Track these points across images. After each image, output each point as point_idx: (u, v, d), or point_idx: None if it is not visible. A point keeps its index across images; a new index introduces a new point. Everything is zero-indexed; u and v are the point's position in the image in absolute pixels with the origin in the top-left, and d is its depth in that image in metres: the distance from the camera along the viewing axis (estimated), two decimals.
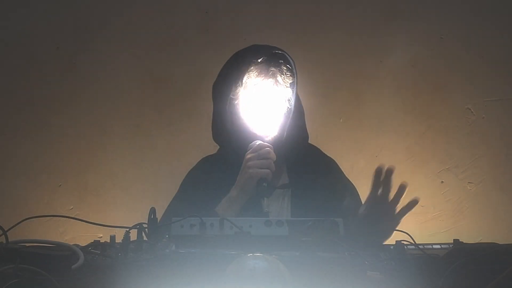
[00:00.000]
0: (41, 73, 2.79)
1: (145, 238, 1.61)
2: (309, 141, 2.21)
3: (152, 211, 1.66)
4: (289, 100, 2.03)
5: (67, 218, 1.66)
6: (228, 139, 2.10)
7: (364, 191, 2.20)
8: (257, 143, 2.02)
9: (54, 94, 2.79)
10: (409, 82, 2.81)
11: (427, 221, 2.79)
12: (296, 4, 2.80)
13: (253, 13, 2.80)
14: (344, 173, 2.24)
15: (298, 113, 2.11)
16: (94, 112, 2.79)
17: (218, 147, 2.21)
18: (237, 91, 2.03)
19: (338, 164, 2.24)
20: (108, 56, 2.79)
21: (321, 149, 2.25)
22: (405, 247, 1.58)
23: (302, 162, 2.12)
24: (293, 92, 2.04)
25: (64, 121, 2.79)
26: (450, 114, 2.80)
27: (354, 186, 2.19)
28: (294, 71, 2.04)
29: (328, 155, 2.25)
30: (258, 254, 1.39)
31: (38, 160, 2.78)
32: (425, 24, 2.80)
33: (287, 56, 2.06)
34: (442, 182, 2.79)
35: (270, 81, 2.01)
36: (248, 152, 2.01)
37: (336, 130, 2.79)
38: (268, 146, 2.01)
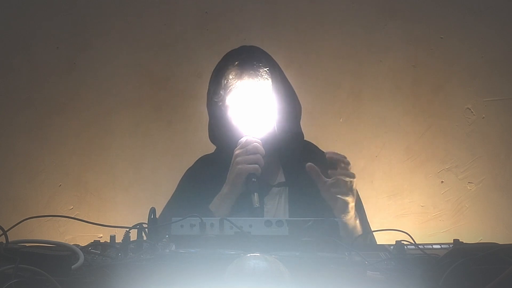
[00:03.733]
0: (41, 73, 2.79)
1: (145, 238, 1.61)
2: (308, 140, 2.21)
3: (152, 211, 1.66)
4: (269, 99, 2.06)
5: (67, 218, 1.66)
6: (222, 139, 2.13)
7: (364, 191, 2.21)
8: (245, 139, 2.03)
9: (54, 94, 2.79)
10: (409, 82, 2.80)
11: (427, 221, 2.79)
12: (296, 4, 2.80)
13: (253, 13, 2.80)
14: None
15: (293, 111, 2.12)
16: (94, 112, 2.79)
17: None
18: (219, 94, 2.06)
19: None
20: (108, 56, 2.79)
21: (320, 148, 2.25)
22: (405, 247, 1.58)
23: (298, 160, 2.12)
24: (272, 92, 2.06)
25: (64, 121, 2.79)
26: (450, 114, 2.80)
27: None
28: (270, 72, 2.07)
29: (324, 151, 2.24)
30: (258, 254, 1.39)
31: (38, 160, 2.78)
32: (425, 24, 2.80)
33: (263, 57, 2.09)
34: (442, 182, 2.79)
35: (246, 82, 2.04)
36: (236, 148, 2.04)
37: (336, 130, 2.79)
38: (256, 141, 2.03)
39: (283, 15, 2.80)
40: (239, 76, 2.04)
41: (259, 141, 2.03)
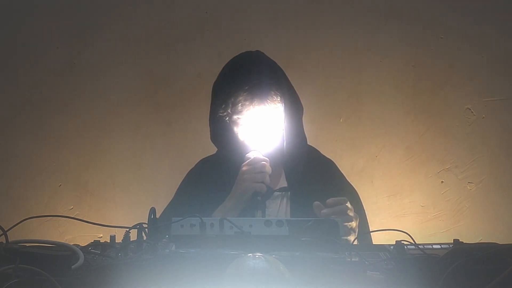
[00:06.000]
0: (41, 73, 2.79)
1: (145, 238, 1.61)
2: (309, 142, 2.21)
3: (152, 211, 1.66)
4: (278, 121, 2.04)
5: (67, 218, 1.66)
6: (224, 144, 2.12)
7: (364, 191, 2.21)
8: (253, 156, 2.02)
9: (54, 94, 2.79)
10: (409, 82, 2.81)
11: (427, 221, 2.79)
12: (296, 4, 2.80)
13: (253, 13, 2.80)
14: (344, 173, 2.23)
15: (299, 120, 2.11)
16: (94, 112, 2.79)
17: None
18: (225, 110, 2.03)
19: (336, 165, 2.23)
20: (108, 56, 2.79)
21: (321, 149, 2.25)
22: (405, 247, 1.58)
23: (300, 165, 2.12)
24: (282, 115, 2.04)
25: (64, 121, 2.79)
26: (450, 114, 2.80)
27: (353, 187, 2.19)
28: (283, 97, 2.03)
29: (327, 156, 2.24)
30: (258, 254, 1.39)
31: (38, 160, 2.78)
32: (425, 24, 2.80)
33: (275, 80, 2.05)
34: (442, 182, 2.79)
35: (256, 106, 2.00)
36: (244, 164, 2.02)
37: (336, 130, 2.79)
38: (264, 160, 2.02)
39: (283, 15, 2.80)
40: (250, 101, 1.99)
41: (267, 159, 2.02)
